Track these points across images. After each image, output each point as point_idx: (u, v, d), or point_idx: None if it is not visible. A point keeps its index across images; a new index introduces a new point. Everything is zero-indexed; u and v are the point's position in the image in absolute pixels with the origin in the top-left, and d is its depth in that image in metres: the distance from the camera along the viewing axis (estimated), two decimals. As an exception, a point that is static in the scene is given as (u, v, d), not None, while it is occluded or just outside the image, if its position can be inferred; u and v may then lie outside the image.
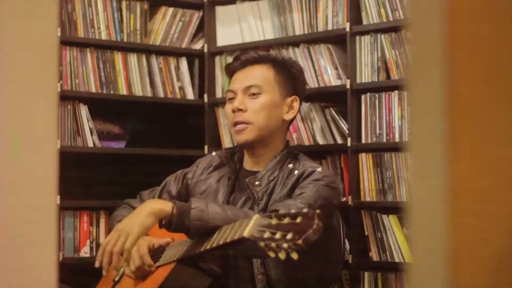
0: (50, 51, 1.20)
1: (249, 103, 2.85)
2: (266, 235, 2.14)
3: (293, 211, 2.18)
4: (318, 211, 2.13)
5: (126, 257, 2.49)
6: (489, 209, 1.09)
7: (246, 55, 2.95)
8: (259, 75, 2.89)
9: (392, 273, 3.26)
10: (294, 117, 2.96)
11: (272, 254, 2.11)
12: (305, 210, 2.15)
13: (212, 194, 2.90)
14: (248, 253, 2.58)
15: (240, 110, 2.85)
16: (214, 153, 3.06)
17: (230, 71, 2.98)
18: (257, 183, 2.79)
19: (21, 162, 1.18)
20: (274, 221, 2.17)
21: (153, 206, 2.52)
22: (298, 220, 2.12)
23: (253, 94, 2.86)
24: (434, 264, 1.06)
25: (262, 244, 2.14)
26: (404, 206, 3.10)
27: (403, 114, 3.26)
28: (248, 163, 2.93)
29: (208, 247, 2.43)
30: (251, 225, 2.23)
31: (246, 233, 2.22)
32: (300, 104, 2.95)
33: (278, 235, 2.12)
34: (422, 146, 1.08)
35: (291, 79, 2.92)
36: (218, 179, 2.95)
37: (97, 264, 2.51)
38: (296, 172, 2.79)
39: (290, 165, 2.83)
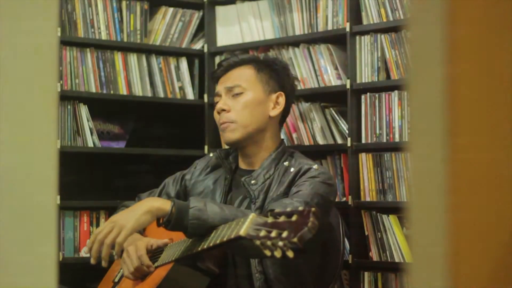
0: (50, 51, 1.20)
1: (232, 103, 2.88)
2: (262, 233, 2.15)
3: (288, 209, 2.19)
4: (313, 209, 2.14)
5: (117, 251, 2.50)
6: (489, 209, 1.09)
7: (227, 60, 3.01)
8: (240, 75, 2.93)
9: (392, 273, 3.26)
10: (286, 113, 2.98)
11: (268, 253, 2.12)
12: (300, 208, 2.16)
13: (210, 195, 2.91)
14: (244, 252, 2.59)
15: (223, 110, 2.87)
16: (211, 154, 3.07)
17: (215, 78, 3.02)
18: (253, 182, 2.81)
19: (21, 162, 1.18)
20: (270, 220, 2.18)
21: (152, 204, 2.53)
22: (294, 218, 2.13)
23: (236, 94, 2.89)
24: (434, 264, 1.06)
25: (258, 242, 2.15)
26: (404, 206, 3.10)
27: (403, 114, 3.26)
28: (243, 163, 2.94)
29: (205, 246, 2.44)
30: (247, 224, 2.24)
31: (242, 232, 2.23)
32: (288, 100, 2.95)
33: (273, 234, 2.12)
34: (422, 146, 1.08)
35: (274, 75, 2.95)
36: (215, 180, 2.96)
37: (86, 251, 2.53)
38: (292, 169, 2.80)
39: (286, 163, 2.84)
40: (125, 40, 3.70)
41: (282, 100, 2.93)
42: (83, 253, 3.51)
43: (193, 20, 3.87)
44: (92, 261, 2.53)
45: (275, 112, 2.92)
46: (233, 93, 2.90)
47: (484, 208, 1.08)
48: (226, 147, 3.06)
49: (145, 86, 3.74)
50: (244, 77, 2.92)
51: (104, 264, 2.51)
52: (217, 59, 3.83)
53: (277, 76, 2.96)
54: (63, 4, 3.53)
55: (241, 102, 2.88)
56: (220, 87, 2.95)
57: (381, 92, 3.33)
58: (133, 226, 2.50)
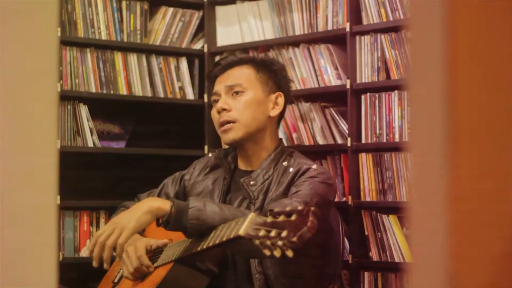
0: (50, 51, 1.20)
1: (233, 102, 2.88)
2: (261, 233, 2.15)
3: (288, 209, 2.18)
4: (312, 208, 2.14)
5: (119, 253, 2.51)
6: (489, 209, 1.09)
7: (225, 59, 3.02)
8: (239, 75, 2.93)
9: (392, 273, 3.26)
10: (282, 114, 2.98)
11: (267, 252, 2.11)
12: (299, 207, 2.15)
13: (209, 195, 2.91)
14: (244, 251, 2.59)
15: (224, 109, 2.87)
16: (210, 155, 3.08)
17: (212, 77, 3.02)
18: (252, 182, 2.81)
19: (21, 162, 1.18)
20: (269, 219, 2.18)
21: (152, 204, 2.54)
22: (293, 217, 2.13)
23: (236, 93, 2.89)
24: (434, 264, 1.06)
25: (257, 242, 2.14)
26: (404, 206, 3.10)
27: (403, 114, 3.26)
28: (242, 163, 2.94)
29: (204, 246, 2.44)
30: (246, 224, 2.24)
31: (241, 232, 2.23)
32: (286, 100, 2.97)
33: (273, 233, 2.12)
34: (422, 146, 1.08)
35: (272, 76, 2.96)
36: (214, 180, 2.96)
37: (88, 253, 2.54)
38: (291, 169, 2.80)
39: (285, 163, 2.85)
40: (125, 40, 3.70)
41: (281, 100, 2.94)
42: (83, 253, 3.51)
43: (193, 20, 3.87)
44: (94, 264, 2.54)
45: (275, 112, 2.93)
46: (233, 92, 2.90)
47: (484, 208, 1.08)
48: (226, 146, 3.06)
49: (145, 86, 3.74)
50: (244, 76, 2.92)
51: (106, 266, 2.52)
52: (217, 59, 3.83)
53: (276, 76, 2.97)
54: (63, 4, 3.53)
55: (242, 102, 2.88)
56: (219, 86, 2.94)
57: (381, 92, 3.33)
58: (134, 227, 2.50)
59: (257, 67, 2.95)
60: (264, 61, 3.01)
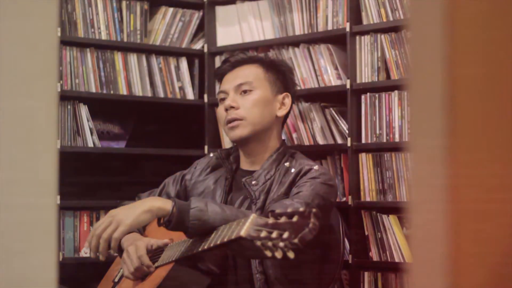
0: (50, 51, 1.20)
1: (241, 100, 2.88)
2: (263, 234, 2.15)
3: (289, 210, 2.19)
4: (314, 210, 2.14)
5: (113, 246, 2.50)
6: (489, 209, 1.09)
7: (234, 57, 3.01)
8: (249, 73, 2.93)
9: (392, 273, 3.26)
10: (287, 115, 2.99)
11: (268, 253, 2.11)
12: (301, 209, 2.15)
13: (210, 195, 2.91)
14: (245, 252, 2.59)
15: (232, 107, 2.87)
16: (211, 154, 3.07)
17: (220, 74, 3.02)
18: (253, 182, 2.81)
19: (21, 162, 1.18)
20: (270, 220, 2.18)
21: (153, 204, 2.53)
22: (295, 219, 2.13)
23: (245, 92, 2.89)
24: (434, 264, 1.06)
25: (258, 243, 2.14)
26: (404, 206, 3.10)
27: (403, 114, 3.26)
28: (244, 163, 2.94)
29: (205, 247, 2.44)
30: (248, 225, 2.24)
31: (243, 233, 2.23)
32: (292, 101, 2.97)
33: (274, 234, 2.12)
34: (422, 146, 1.08)
35: (280, 76, 2.97)
36: (216, 180, 2.96)
37: (86, 245, 2.55)
38: (293, 170, 2.81)
39: (287, 164, 2.85)
40: (125, 40, 3.70)
41: (288, 101, 2.95)
42: (83, 253, 3.51)
43: (193, 20, 3.88)
44: (92, 255, 2.54)
45: (282, 112, 2.94)
46: (242, 90, 2.90)
47: (484, 208, 1.08)
48: (227, 147, 3.06)
49: (145, 86, 3.74)
50: (252, 75, 2.93)
51: (101, 258, 2.51)
52: (217, 59, 3.84)
53: (283, 77, 2.98)
54: (63, 4, 3.54)
55: (250, 100, 2.88)
56: (228, 85, 2.94)
57: (381, 92, 3.33)
58: (131, 223, 2.50)
59: (266, 67, 2.96)
60: (273, 61, 3.02)
